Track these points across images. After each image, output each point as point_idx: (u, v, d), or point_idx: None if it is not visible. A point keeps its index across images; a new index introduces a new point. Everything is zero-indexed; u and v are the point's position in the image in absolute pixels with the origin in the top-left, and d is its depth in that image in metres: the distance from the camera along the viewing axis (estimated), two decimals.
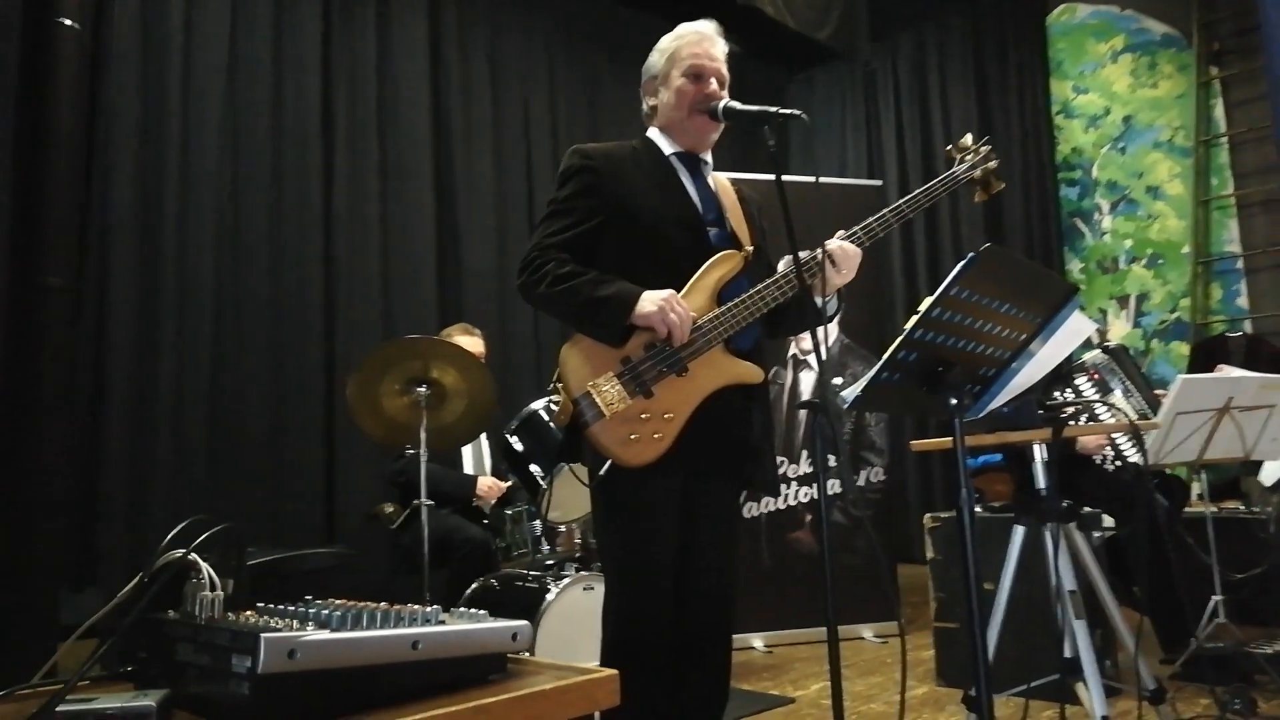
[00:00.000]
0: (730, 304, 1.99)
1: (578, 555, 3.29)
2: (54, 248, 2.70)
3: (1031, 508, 2.16)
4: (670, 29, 2.19)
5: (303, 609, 1.11)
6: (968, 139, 2.19)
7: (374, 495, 4.00)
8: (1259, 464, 4.07)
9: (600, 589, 2.94)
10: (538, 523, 3.31)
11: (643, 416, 1.93)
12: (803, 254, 1.95)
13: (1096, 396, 3.94)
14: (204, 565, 1.12)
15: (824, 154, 7.74)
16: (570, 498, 3.06)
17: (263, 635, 0.94)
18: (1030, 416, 2.21)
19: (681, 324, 1.92)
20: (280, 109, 4.40)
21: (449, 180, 4.99)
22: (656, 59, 2.15)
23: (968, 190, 2.17)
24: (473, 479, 3.64)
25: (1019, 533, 2.18)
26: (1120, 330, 6.23)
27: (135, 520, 3.70)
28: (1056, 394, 3.90)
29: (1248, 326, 5.73)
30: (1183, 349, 5.92)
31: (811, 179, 4.09)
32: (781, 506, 4.33)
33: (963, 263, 1.60)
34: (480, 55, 5.25)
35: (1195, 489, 4.18)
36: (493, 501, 3.62)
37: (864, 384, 1.70)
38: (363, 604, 1.18)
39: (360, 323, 4.48)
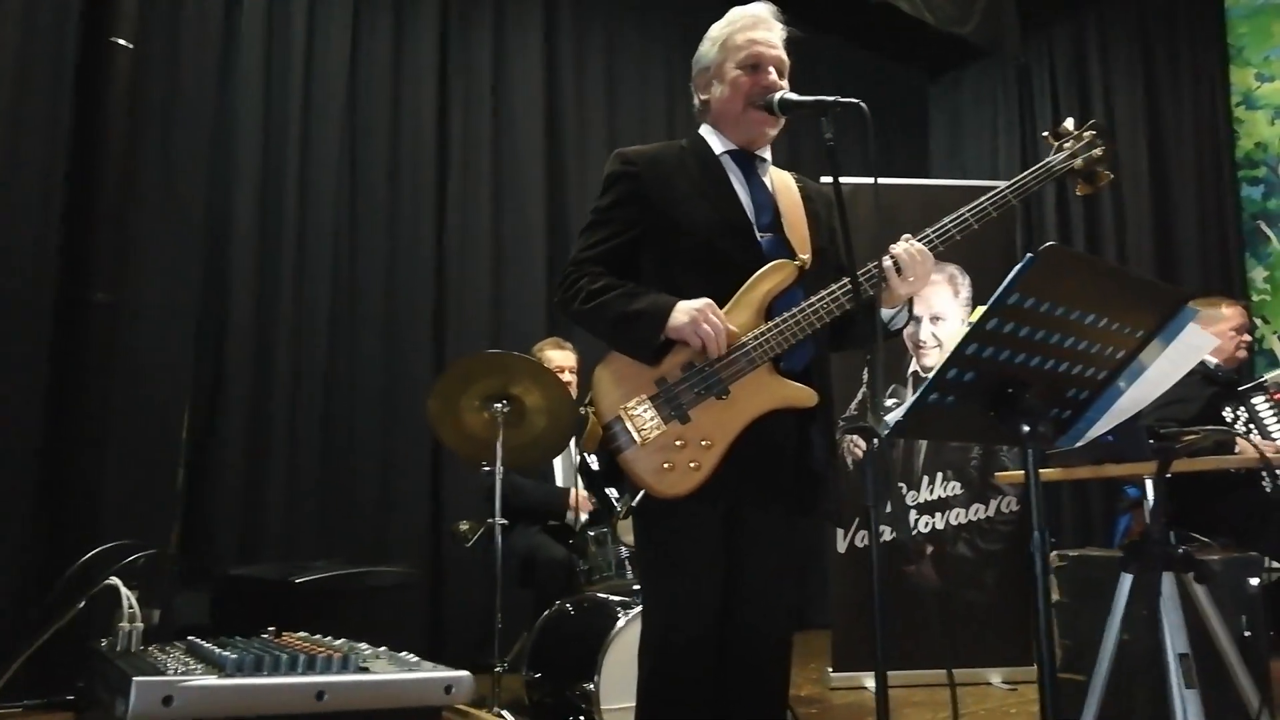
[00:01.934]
0: (778, 320, 1.80)
1: None
2: (100, 263, 2.83)
3: (1142, 554, 1.85)
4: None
5: (208, 647, 1.04)
6: (1069, 123, 1.90)
7: (478, 511, 4.02)
8: None
9: None
10: (622, 547, 3.19)
11: (678, 444, 1.78)
12: (852, 266, 1.76)
13: (1275, 419, 3.49)
14: (126, 593, 1.07)
15: (973, 157, 7.27)
16: None
17: (135, 679, 0.87)
18: (1139, 446, 1.91)
19: (716, 336, 1.75)
20: (397, 119, 4.52)
21: (562, 191, 4.98)
22: (708, 49, 1.98)
23: (1069, 182, 1.89)
24: (565, 491, 3.58)
25: (1126, 581, 1.88)
26: (1213, 344, 5.47)
27: (248, 531, 3.85)
28: (1226, 413, 3.47)
29: None
30: None
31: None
32: (897, 538, 4.02)
33: (1019, 267, 1.37)
34: (596, 64, 5.22)
35: None
36: (586, 513, 3.53)
37: (908, 407, 1.49)
38: (290, 643, 1.11)
39: (469, 335, 4.52)
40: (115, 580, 1.10)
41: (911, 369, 4.08)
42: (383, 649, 1.11)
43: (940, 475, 4.02)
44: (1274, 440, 3.40)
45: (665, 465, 1.78)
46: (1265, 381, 3.57)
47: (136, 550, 1.01)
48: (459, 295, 4.58)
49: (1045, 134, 1.94)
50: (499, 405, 2.97)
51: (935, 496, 4.01)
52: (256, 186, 4.11)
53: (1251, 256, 5.88)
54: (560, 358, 3.66)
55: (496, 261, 4.71)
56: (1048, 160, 1.89)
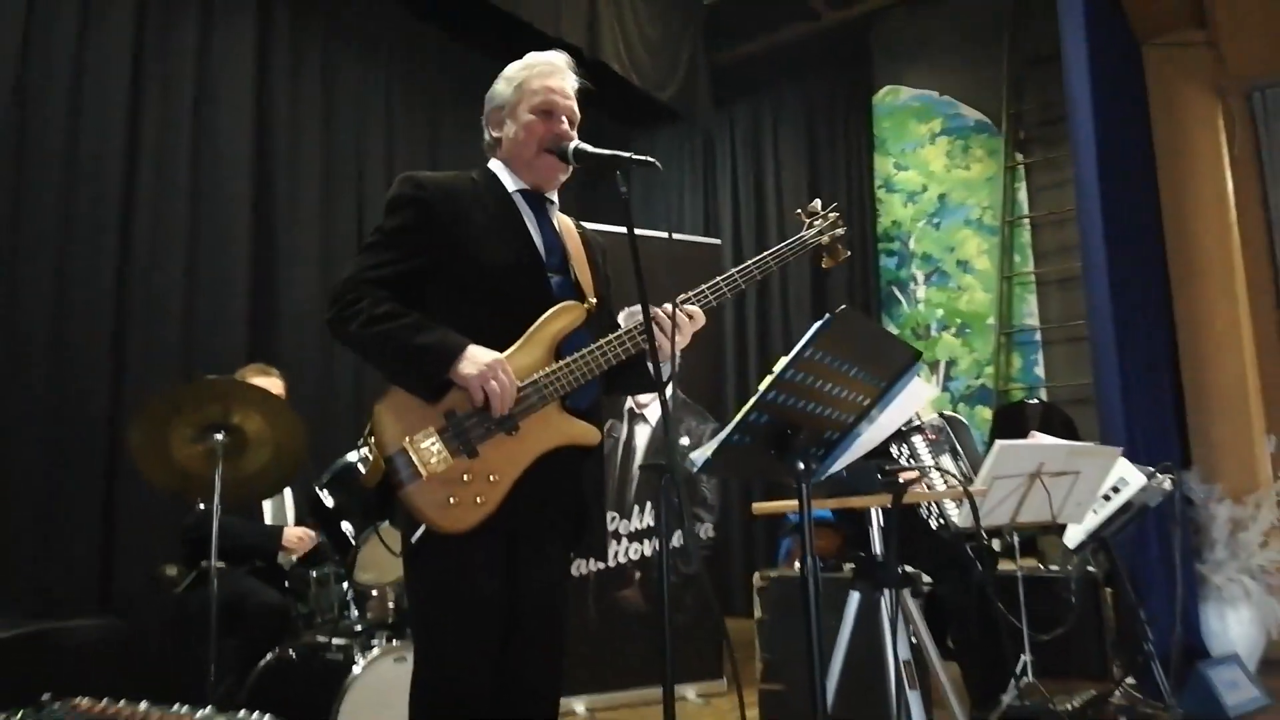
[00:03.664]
0: (568, 360, 1.84)
1: (390, 622, 3.03)
2: None
3: (868, 574, 2.13)
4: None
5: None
6: (817, 204, 2.16)
7: (160, 556, 3.59)
8: (1058, 525, 4.31)
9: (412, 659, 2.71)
10: (345, 585, 3.02)
11: (465, 478, 1.75)
12: (645, 310, 1.84)
13: (929, 456, 4.10)
14: None
15: (662, 211, 7.86)
16: (385, 559, 2.82)
17: None
18: (870, 481, 2.20)
19: (502, 394, 1.75)
20: (78, 111, 3.95)
21: (269, 203, 4.63)
22: (504, 88, 2.00)
23: (814, 255, 2.13)
24: (278, 529, 3.31)
25: (855, 598, 2.15)
26: (930, 394, 6.54)
27: None
28: (894, 449, 4.01)
29: (1043, 394, 6.16)
30: (986, 413, 6.28)
31: (664, 234, 4.09)
32: (611, 565, 4.20)
33: (819, 324, 1.56)
34: (312, 82, 4.95)
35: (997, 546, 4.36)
36: (301, 554, 3.29)
37: (714, 447, 1.62)
38: (96, 710, 0.96)
39: (155, 357, 4.03)
40: None
41: (628, 405, 4.30)
42: (208, 709, 0.99)
43: (649, 504, 4.27)
44: (928, 474, 3.99)
45: (451, 500, 1.75)
46: (922, 424, 4.18)
47: None
48: (144, 313, 4.06)
49: (799, 211, 2.17)
50: (218, 436, 2.70)
51: (645, 525, 4.24)
52: None
53: (887, 316, 6.91)
54: (266, 385, 3.38)
55: (190, 277, 4.25)
56: (801, 235, 2.12)
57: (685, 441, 4.22)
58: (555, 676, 1.93)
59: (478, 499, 1.76)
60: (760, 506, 2.36)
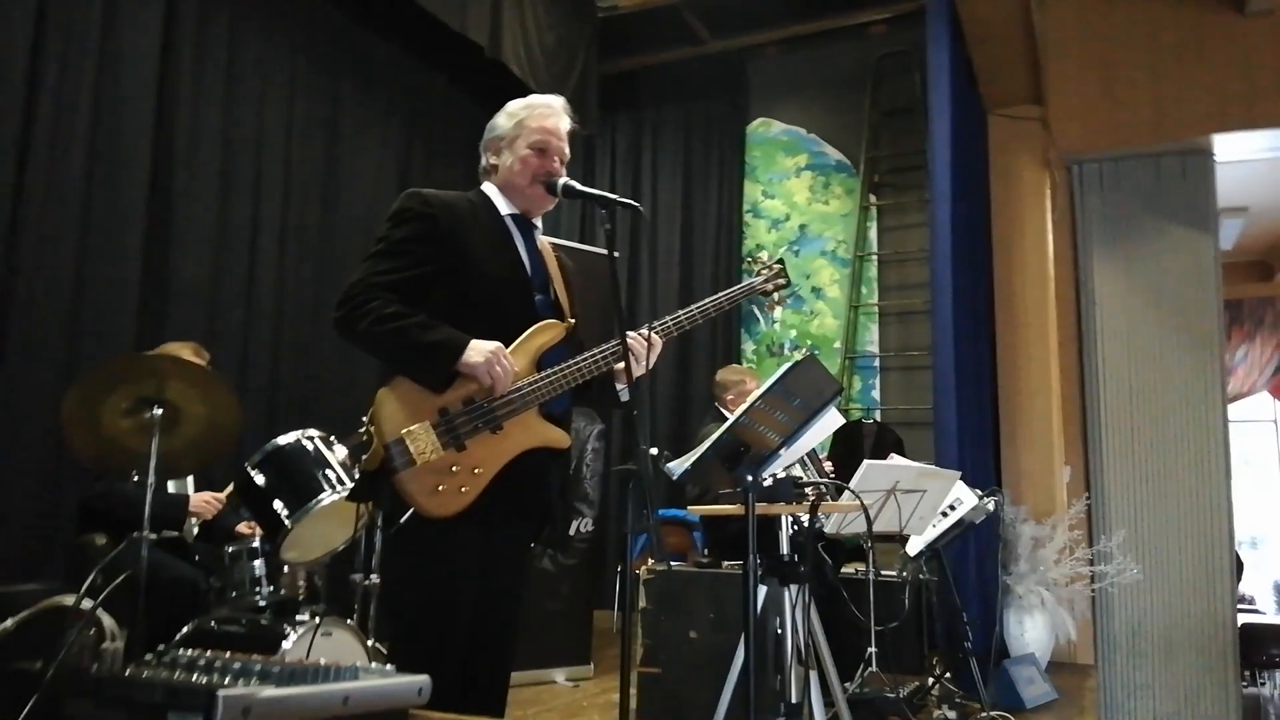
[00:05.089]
0: (549, 371, 2.08)
1: (302, 597, 3.14)
2: None
3: (776, 570, 2.48)
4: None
5: (222, 662, 1.05)
6: (765, 255, 2.50)
7: (35, 527, 3.52)
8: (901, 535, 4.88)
9: (337, 634, 2.86)
10: (258, 563, 3.10)
11: (453, 469, 1.97)
12: (623, 332, 2.11)
13: (783, 471, 4.56)
14: (103, 614, 1.02)
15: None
16: (311, 537, 2.93)
17: (220, 692, 0.90)
18: (787, 492, 2.54)
19: (505, 377, 1.99)
20: None
21: (167, 181, 4.50)
22: (504, 121, 2.22)
23: (762, 299, 2.47)
24: (184, 496, 3.34)
25: (763, 591, 2.50)
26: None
27: None
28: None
29: (878, 415, 6.82)
30: None
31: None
32: None
33: (789, 365, 1.89)
34: (217, 60, 4.81)
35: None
36: (208, 517, 3.33)
37: (693, 460, 1.91)
38: (265, 659, 1.14)
39: (40, 337, 3.85)
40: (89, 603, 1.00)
41: None
42: (351, 663, 1.19)
43: None
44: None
45: (439, 487, 1.95)
46: None
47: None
48: (28, 290, 3.84)
49: (749, 258, 2.50)
50: (156, 411, 2.74)
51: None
52: None
53: (746, 332, 7.41)
54: None
55: (80, 256, 4.04)
56: (750, 281, 2.46)
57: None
58: (509, 654, 2.17)
59: (462, 488, 1.97)
60: (697, 509, 2.66)
